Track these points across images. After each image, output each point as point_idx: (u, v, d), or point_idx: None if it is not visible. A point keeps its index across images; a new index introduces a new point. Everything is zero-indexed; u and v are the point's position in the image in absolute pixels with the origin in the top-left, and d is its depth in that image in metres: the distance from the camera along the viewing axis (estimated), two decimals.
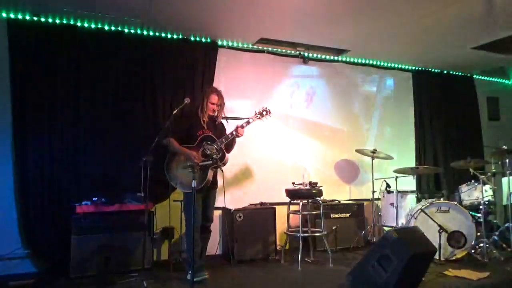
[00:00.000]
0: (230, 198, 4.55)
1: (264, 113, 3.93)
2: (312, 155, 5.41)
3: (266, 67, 5.21)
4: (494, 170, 4.99)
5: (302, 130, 5.42)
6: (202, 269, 3.59)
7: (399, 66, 6.08)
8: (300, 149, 5.34)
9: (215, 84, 4.72)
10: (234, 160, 4.00)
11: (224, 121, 4.00)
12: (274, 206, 4.61)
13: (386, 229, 4.62)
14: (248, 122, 3.85)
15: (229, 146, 3.85)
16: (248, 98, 5.06)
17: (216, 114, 3.90)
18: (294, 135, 5.33)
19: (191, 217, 3.49)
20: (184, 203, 3.81)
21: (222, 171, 3.85)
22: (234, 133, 3.76)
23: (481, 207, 4.43)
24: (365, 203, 5.27)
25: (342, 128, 5.70)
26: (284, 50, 5.27)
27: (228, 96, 4.18)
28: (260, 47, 5.13)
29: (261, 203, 4.71)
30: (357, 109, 5.85)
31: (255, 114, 3.92)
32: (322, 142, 5.50)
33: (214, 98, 3.84)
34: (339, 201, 5.12)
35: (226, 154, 3.76)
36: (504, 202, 5.07)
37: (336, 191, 5.38)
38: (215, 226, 4.10)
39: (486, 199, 4.54)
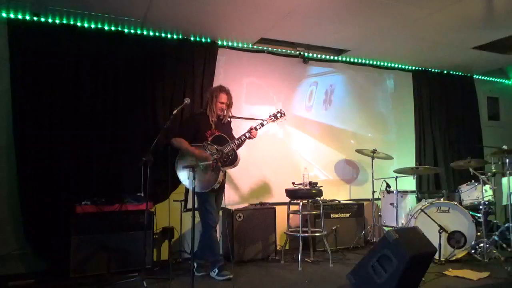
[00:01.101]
0: (230, 198, 4.57)
1: (279, 115, 3.87)
2: (312, 155, 5.41)
3: (267, 67, 5.22)
4: (494, 170, 4.99)
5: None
6: (226, 268, 3.68)
7: (399, 66, 6.09)
8: (300, 149, 5.34)
9: (214, 84, 4.74)
10: None
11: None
12: (274, 206, 4.61)
13: (386, 229, 4.61)
14: (262, 125, 3.82)
15: (239, 146, 3.84)
16: (250, 98, 5.07)
17: (224, 114, 3.87)
18: (297, 136, 5.33)
19: (205, 217, 3.67)
20: (197, 204, 3.72)
21: (223, 172, 3.84)
22: (247, 135, 3.73)
23: (481, 207, 4.43)
24: (365, 203, 5.27)
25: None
26: (284, 50, 5.27)
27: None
28: (260, 47, 5.14)
29: (261, 203, 4.71)
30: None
31: (270, 116, 3.87)
32: (322, 141, 5.50)
33: (223, 97, 3.81)
34: (339, 201, 5.12)
35: (238, 155, 3.74)
36: (504, 202, 5.07)
37: (336, 191, 5.39)
38: None
39: (486, 199, 4.54)
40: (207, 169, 3.62)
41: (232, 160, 3.70)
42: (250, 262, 4.27)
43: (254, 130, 3.77)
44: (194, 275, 3.04)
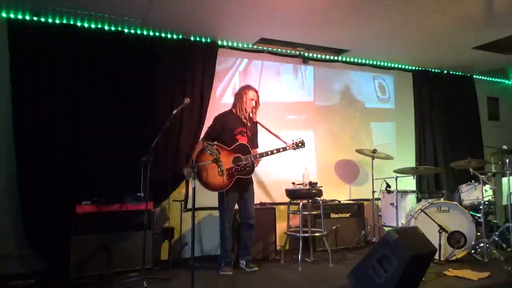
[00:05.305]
0: None
1: (300, 144, 4.01)
2: (313, 155, 5.41)
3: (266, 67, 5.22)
4: (494, 170, 4.99)
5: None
6: (230, 265, 3.90)
7: (399, 66, 6.08)
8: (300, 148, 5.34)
9: (214, 84, 4.78)
10: None
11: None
12: (274, 206, 4.61)
13: (386, 229, 4.61)
14: (284, 149, 3.95)
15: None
16: None
17: (253, 111, 3.99)
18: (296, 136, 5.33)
19: (219, 215, 3.90)
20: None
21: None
22: (269, 153, 3.88)
23: (481, 207, 4.43)
24: (365, 203, 5.27)
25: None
26: (284, 50, 5.27)
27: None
28: (260, 47, 5.14)
29: (261, 203, 4.70)
30: None
31: (292, 144, 3.99)
32: (322, 141, 5.51)
33: (252, 94, 3.95)
34: (339, 201, 5.12)
35: (255, 169, 3.88)
36: (504, 202, 5.07)
37: (336, 191, 5.39)
38: (215, 226, 4.10)
39: (486, 199, 4.54)
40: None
41: (248, 171, 3.84)
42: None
43: (276, 151, 3.91)
44: (194, 275, 3.03)
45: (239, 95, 3.98)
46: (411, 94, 6.15)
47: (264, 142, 4.18)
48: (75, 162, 4.06)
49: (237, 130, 3.91)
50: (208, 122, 4.46)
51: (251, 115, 4.00)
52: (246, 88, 4.02)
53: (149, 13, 4.07)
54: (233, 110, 3.98)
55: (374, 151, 5.01)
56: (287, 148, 3.96)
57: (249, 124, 3.96)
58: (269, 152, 3.88)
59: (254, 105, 3.97)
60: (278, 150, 3.92)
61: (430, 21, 4.38)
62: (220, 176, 3.61)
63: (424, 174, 5.79)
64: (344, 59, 5.64)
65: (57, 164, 3.98)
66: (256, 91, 4.02)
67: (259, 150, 4.04)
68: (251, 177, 3.98)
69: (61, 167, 3.99)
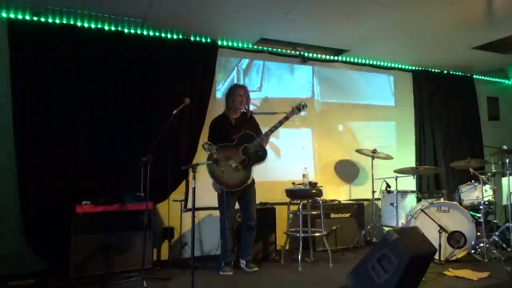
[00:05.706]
0: None
1: (301, 107, 3.94)
2: (313, 155, 5.41)
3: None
4: (494, 170, 4.99)
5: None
6: (230, 265, 3.89)
7: (399, 66, 6.09)
8: (300, 148, 5.34)
9: (214, 84, 4.80)
10: None
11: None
12: (274, 206, 4.61)
13: (386, 229, 4.61)
14: (286, 118, 3.87)
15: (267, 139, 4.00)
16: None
17: (245, 108, 4.02)
18: (296, 136, 5.34)
19: (222, 214, 3.86)
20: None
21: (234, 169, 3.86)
22: (273, 129, 3.85)
23: (481, 207, 4.43)
24: (365, 203, 5.26)
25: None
26: (284, 50, 5.27)
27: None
28: (260, 47, 5.14)
29: (261, 203, 4.70)
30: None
31: (293, 109, 3.91)
32: (322, 141, 5.50)
33: (240, 91, 3.99)
34: (339, 201, 5.12)
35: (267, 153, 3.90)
36: (504, 202, 5.07)
37: (336, 191, 5.39)
38: (215, 226, 4.10)
39: (486, 199, 4.54)
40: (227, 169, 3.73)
41: (262, 155, 3.84)
42: None
43: (279, 124, 3.86)
44: (194, 275, 3.03)
45: (228, 93, 4.06)
46: (411, 94, 6.15)
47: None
48: (75, 162, 4.06)
49: (232, 130, 3.93)
50: (208, 122, 4.46)
51: (244, 111, 4.04)
52: (233, 87, 4.10)
53: (149, 13, 4.07)
54: (226, 111, 4.05)
55: (374, 151, 5.01)
56: (289, 116, 3.87)
57: (234, 123, 3.98)
58: (273, 129, 3.85)
59: (244, 101, 4.00)
60: (280, 122, 3.84)
61: (430, 21, 4.38)
62: (237, 172, 3.70)
63: (424, 174, 5.79)
64: (344, 59, 5.64)
65: (57, 164, 3.98)
66: (244, 88, 4.06)
67: None
68: (252, 177, 3.98)
69: (61, 167, 3.99)
